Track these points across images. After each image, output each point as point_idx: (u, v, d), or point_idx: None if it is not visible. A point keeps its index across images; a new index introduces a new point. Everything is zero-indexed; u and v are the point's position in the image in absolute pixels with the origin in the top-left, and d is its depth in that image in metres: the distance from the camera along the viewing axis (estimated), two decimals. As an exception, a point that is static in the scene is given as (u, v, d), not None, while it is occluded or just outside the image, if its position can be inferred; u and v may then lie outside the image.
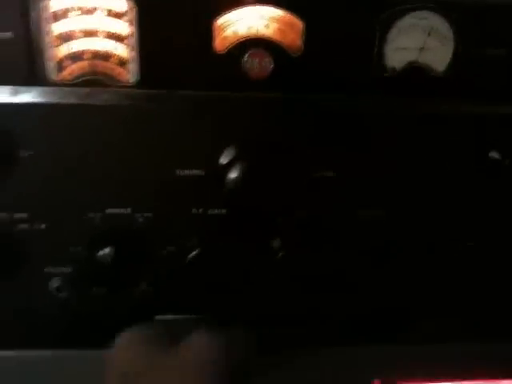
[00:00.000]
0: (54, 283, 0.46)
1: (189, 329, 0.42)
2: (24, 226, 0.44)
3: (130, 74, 0.42)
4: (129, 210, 0.44)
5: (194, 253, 0.45)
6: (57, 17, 0.41)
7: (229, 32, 0.42)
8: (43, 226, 0.44)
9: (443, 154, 0.45)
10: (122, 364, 0.40)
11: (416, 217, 0.46)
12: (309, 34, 0.41)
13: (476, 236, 0.47)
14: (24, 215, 0.44)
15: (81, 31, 0.41)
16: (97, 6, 0.40)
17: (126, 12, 0.41)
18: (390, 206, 0.45)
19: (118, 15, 0.41)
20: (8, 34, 0.40)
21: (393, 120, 0.44)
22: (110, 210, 0.44)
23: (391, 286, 0.48)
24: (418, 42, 0.41)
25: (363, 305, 0.49)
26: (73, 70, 0.42)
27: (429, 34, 0.40)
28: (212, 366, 0.39)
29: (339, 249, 0.46)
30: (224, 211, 0.45)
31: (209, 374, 0.39)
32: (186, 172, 0.44)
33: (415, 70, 0.42)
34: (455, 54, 0.42)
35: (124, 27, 0.41)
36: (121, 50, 0.41)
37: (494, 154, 0.43)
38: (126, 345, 0.41)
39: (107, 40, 0.41)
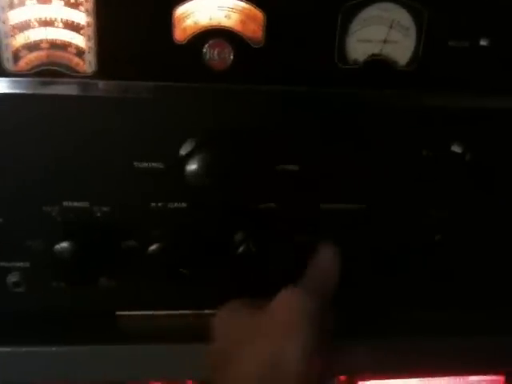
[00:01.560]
0: (12, 278, 0.45)
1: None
2: (-20, 219, 0.44)
3: (88, 65, 0.41)
4: (87, 204, 0.43)
5: (155, 246, 0.44)
6: (13, 5, 0.40)
7: (189, 22, 0.41)
8: (-1, 219, 0.44)
9: (405, 147, 0.44)
10: (225, 329, 0.41)
11: (378, 210, 0.46)
12: (270, 25, 0.40)
13: (440, 229, 0.47)
14: (-21, 208, 0.44)
15: (37, 20, 0.41)
16: (54, -5, 0.40)
17: (83, 1, 0.40)
18: (352, 200, 0.45)
19: (76, 4, 0.40)
20: (-38, 23, 0.40)
21: (354, 112, 0.43)
22: (67, 204, 0.43)
23: (359, 280, 0.48)
24: (381, 34, 0.41)
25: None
26: (30, 59, 0.41)
27: (391, 27, 0.40)
28: (305, 315, 0.39)
29: (304, 242, 0.46)
30: (184, 204, 0.45)
31: (305, 323, 0.38)
32: (145, 165, 0.43)
33: (378, 63, 0.42)
34: (417, 47, 0.42)
35: (81, 17, 0.40)
36: (78, 40, 0.40)
37: (456, 148, 0.43)
38: (226, 313, 0.42)
39: (64, 30, 0.41)
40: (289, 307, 0.39)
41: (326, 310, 0.41)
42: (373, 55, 0.42)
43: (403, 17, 0.41)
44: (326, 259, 0.44)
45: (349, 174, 0.45)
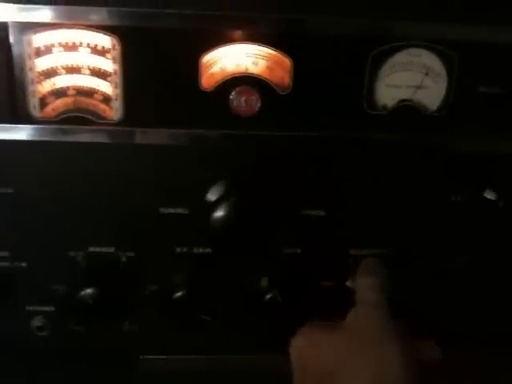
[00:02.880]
0: (36, 322, 0.45)
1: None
2: (5, 264, 0.43)
3: (114, 111, 0.41)
4: (112, 249, 0.43)
5: (180, 293, 0.44)
6: (40, 53, 0.40)
7: (216, 69, 0.41)
8: (24, 264, 0.43)
9: (437, 192, 0.44)
10: (313, 361, 0.40)
11: (409, 256, 0.45)
12: (297, 71, 0.40)
13: (465, 273, 0.46)
14: (5, 253, 0.43)
15: (64, 67, 0.41)
16: (81, 42, 0.40)
17: (110, 49, 0.40)
18: (382, 246, 0.44)
19: (102, 52, 0.40)
20: (-10, 70, 0.40)
21: (383, 157, 0.42)
22: (92, 249, 0.43)
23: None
24: (412, 80, 0.40)
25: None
26: (56, 106, 0.41)
27: (426, 74, 0.39)
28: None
29: (329, 287, 0.45)
30: (209, 250, 0.44)
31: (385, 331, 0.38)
32: (170, 210, 0.43)
33: (407, 108, 0.41)
34: (448, 92, 0.41)
35: (108, 64, 0.40)
36: (105, 87, 0.40)
37: (488, 194, 0.42)
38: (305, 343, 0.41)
39: (91, 77, 0.41)
40: (374, 326, 0.39)
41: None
42: (402, 100, 0.41)
43: (434, 63, 0.40)
44: (371, 271, 0.44)
45: (376, 219, 0.44)
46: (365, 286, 0.42)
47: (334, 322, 0.40)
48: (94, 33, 0.39)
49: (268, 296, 0.43)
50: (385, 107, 0.41)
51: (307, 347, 0.41)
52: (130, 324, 0.45)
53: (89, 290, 0.42)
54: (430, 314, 0.47)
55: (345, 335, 0.39)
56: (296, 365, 0.41)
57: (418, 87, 0.41)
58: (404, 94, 0.41)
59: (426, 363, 0.40)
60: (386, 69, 0.40)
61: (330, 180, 0.43)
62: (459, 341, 0.49)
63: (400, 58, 0.40)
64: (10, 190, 0.41)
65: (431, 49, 0.40)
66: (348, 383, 0.38)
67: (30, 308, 0.44)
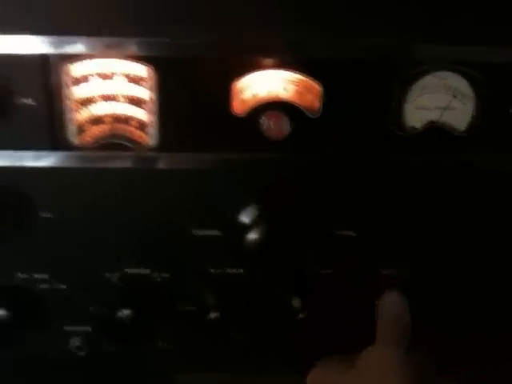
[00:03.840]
0: (75, 342, 0.46)
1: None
2: (44, 286, 0.45)
3: (150, 138, 0.42)
4: (147, 270, 0.45)
5: (213, 313, 0.45)
6: (77, 81, 0.42)
7: (247, 94, 0.42)
8: (63, 286, 0.45)
9: (466, 212, 0.44)
10: None
11: (440, 276, 0.46)
12: (327, 95, 0.41)
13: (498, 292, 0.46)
14: (44, 276, 0.44)
15: (101, 95, 0.42)
16: (116, 72, 0.41)
17: (146, 77, 0.41)
18: (413, 265, 0.45)
19: (138, 80, 0.41)
20: (29, 100, 0.41)
21: (412, 178, 0.43)
22: (128, 270, 0.44)
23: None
24: (440, 102, 0.41)
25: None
26: (93, 133, 0.42)
27: (454, 96, 0.40)
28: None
29: (361, 307, 0.46)
30: (242, 271, 0.45)
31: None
32: (204, 232, 0.44)
33: (436, 129, 0.42)
34: (476, 113, 0.42)
35: (143, 92, 0.41)
36: (140, 114, 0.42)
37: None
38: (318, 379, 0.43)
39: (127, 104, 0.42)
40: (383, 367, 0.39)
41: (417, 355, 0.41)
42: (431, 122, 0.42)
43: (461, 84, 0.41)
44: (395, 307, 0.44)
45: (406, 238, 0.44)
46: (385, 318, 0.43)
47: (351, 357, 0.41)
48: (130, 62, 0.41)
49: (301, 315, 0.44)
50: (413, 129, 0.42)
51: (317, 381, 0.42)
52: (164, 343, 0.46)
53: (125, 311, 0.44)
54: (463, 338, 0.48)
55: (350, 377, 0.40)
56: None
57: (446, 108, 0.41)
58: (432, 115, 0.41)
59: None
60: (414, 91, 0.41)
61: (360, 201, 0.43)
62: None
63: (427, 80, 0.41)
64: (49, 215, 0.43)
65: (458, 71, 0.41)
66: None
67: (68, 328, 0.45)
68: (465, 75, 0.41)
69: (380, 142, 0.42)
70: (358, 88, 0.41)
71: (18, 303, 0.44)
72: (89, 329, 0.45)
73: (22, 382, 0.47)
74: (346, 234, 0.44)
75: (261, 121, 0.41)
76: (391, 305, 0.44)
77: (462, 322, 0.47)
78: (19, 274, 0.44)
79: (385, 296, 0.45)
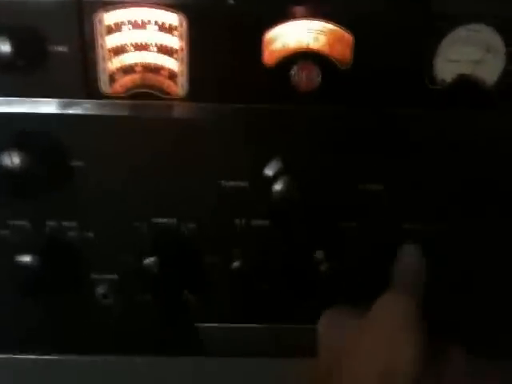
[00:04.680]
0: (100, 290, 0.47)
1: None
2: (73, 234, 0.45)
3: (180, 87, 0.42)
4: (174, 220, 0.45)
5: (237, 264, 0.45)
6: (110, 30, 0.42)
7: (278, 45, 0.42)
8: (91, 234, 0.45)
9: (494, 169, 0.44)
10: (329, 341, 0.42)
11: (462, 231, 0.46)
12: (358, 47, 0.41)
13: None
14: (73, 223, 0.45)
15: (132, 45, 0.42)
16: (149, 20, 0.42)
17: (177, 26, 0.42)
18: (438, 221, 0.45)
19: (169, 29, 0.42)
20: (63, 48, 0.42)
21: (442, 132, 0.43)
22: (156, 220, 0.45)
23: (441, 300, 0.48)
24: (472, 56, 0.41)
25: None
26: (124, 82, 0.43)
27: (487, 50, 0.40)
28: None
29: (384, 263, 0.46)
30: (267, 222, 0.45)
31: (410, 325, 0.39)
32: (231, 183, 0.44)
33: (466, 83, 0.42)
34: (507, 67, 0.41)
35: (174, 41, 0.41)
36: (171, 64, 0.42)
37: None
38: (328, 323, 0.43)
39: (158, 54, 0.42)
40: (394, 312, 0.39)
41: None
42: (461, 75, 0.42)
43: (493, 38, 0.41)
44: (411, 260, 0.44)
45: (434, 194, 0.44)
46: (402, 270, 0.43)
47: (364, 304, 0.41)
48: (162, 11, 0.41)
49: (323, 267, 0.45)
50: (443, 81, 0.42)
51: (329, 327, 0.42)
52: (190, 293, 0.47)
53: (152, 260, 0.45)
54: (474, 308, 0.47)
55: (361, 326, 0.40)
56: (319, 343, 0.42)
57: (478, 62, 0.41)
58: (463, 68, 0.41)
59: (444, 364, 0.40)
60: (446, 43, 0.40)
61: (388, 155, 0.43)
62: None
63: (460, 32, 0.40)
64: (80, 163, 0.43)
65: (491, 24, 0.41)
66: (347, 378, 0.38)
67: (96, 276, 0.46)
68: (498, 28, 0.40)
69: (411, 94, 0.42)
70: (390, 40, 0.41)
71: (48, 251, 0.46)
72: (115, 277, 0.46)
73: (48, 330, 0.49)
74: (373, 187, 0.44)
75: (291, 72, 0.42)
76: (408, 256, 0.44)
77: (479, 286, 0.47)
78: (49, 222, 0.45)
79: (403, 247, 0.45)
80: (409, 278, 0.43)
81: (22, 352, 0.50)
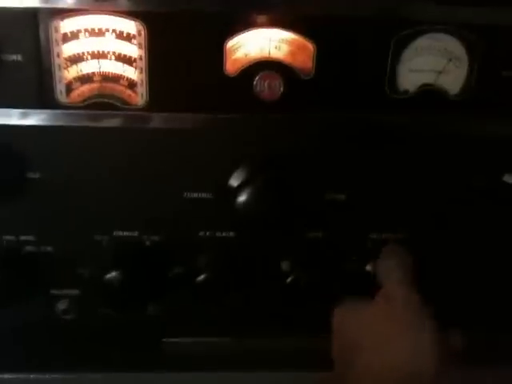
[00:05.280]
0: (61, 305, 0.46)
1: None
2: (31, 248, 0.44)
3: (139, 97, 0.41)
4: (136, 233, 0.44)
5: (202, 276, 0.44)
6: (66, 38, 0.41)
7: (240, 54, 0.41)
8: (50, 248, 0.44)
9: (457, 177, 0.44)
10: (345, 337, 0.41)
11: (429, 240, 0.46)
12: (320, 56, 0.40)
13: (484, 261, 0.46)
14: (31, 237, 0.44)
15: (90, 53, 0.41)
16: (107, 28, 0.41)
17: (135, 35, 0.41)
18: (402, 230, 0.45)
19: (128, 38, 0.41)
20: (17, 56, 0.40)
21: (404, 141, 0.43)
22: (117, 233, 0.44)
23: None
24: (435, 65, 0.40)
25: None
26: (82, 92, 0.41)
27: (450, 60, 0.40)
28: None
29: (348, 271, 0.46)
30: (232, 234, 0.45)
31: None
32: (194, 195, 0.43)
33: (429, 92, 0.42)
34: (470, 76, 0.41)
35: (133, 50, 0.40)
36: (130, 73, 0.41)
37: (508, 178, 0.42)
38: (342, 318, 0.43)
39: (116, 62, 0.41)
40: (412, 305, 0.39)
41: None
42: (424, 85, 0.42)
43: (456, 47, 0.41)
44: (395, 253, 0.44)
45: (396, 203, 0.44)
46: (390, 267, 0.43)
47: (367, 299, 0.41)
48: (120, 18, 0.40)
49: (289, 279, 0.44)
50: (407, 91, 0.42)
51: (348, 312, 0.42)
52: (154, 307, 0.46)
53: (114, 273, 0.43)
54: (451, 302, 0.48)
55: (380, 314, 0.40)
56: (334, 329, 0.42)
57: (440, 72, 0.41)
58: (426, 78, 0.41)
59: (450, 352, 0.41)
60: (408, 53, 0.40)
61: (351, 164, 0.43)
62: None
63: (422, 42, 0.40)
64: (36, 175, 0.42)
65: (453, 33, 0.40)
66: (364, 367, 0.38)
67: (55, 291, 0.45)
68: (460, 38, 0.40)
69: (373, 104, 0.41)
70: (352, 48, 0.40)
71: (4, 266, 0.44)
72: (76, 292, 0.45)
73: (8, 346, 0.47)
74: (336, 197, 0.44)
75: (254, 82, 0.41)
76: (391, 254, 0.44)
77: (453, 289, 0.47)
78: (6, 236, 0.43)
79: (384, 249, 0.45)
80: (399, 272, 0.43)
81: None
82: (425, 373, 0.38)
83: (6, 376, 0.46)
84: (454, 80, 0.41)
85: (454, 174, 0.44)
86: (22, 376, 0.47)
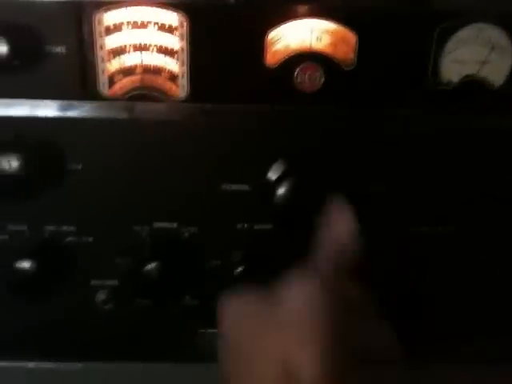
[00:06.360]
0: (100, 296, 0.46)
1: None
2: (72, 238, 0.44)
3: (181, 89, 0.42)
4: (175, 225, 0.44)
5: (240, 268, 0.44)
6: (109, 31, 0.41)
7: (280, 46, 0.41)
8: (90, 239, 0.44)
9: (498, 170, 0.43)
10: (234, 336, 0.35)
11: (466, 233, 0.45)
12: (361, 47, 0.40)
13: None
14: (72, 228, 0.44)
15: (132, 45, 0.42)
16: (149, 20, 0.41)
17: (177, 26, 0.41)
18: (449, 223, 0.44)
19: (170, 30, 0.41)
20: (61, 49, 0.41)
21: (447, 134, 0.42)
22: (156, 224, 0.44)
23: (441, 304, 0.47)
24: (478, 56, 0.40)
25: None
26: (124, 84, 0.42)
27: (492, 49, 0.39)
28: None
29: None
30: (270, 226, 0.45)
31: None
32: (233, 187, 0.43)
33: (472, 83, 0.41)
34: (515, 67, 0.41)
35: (175, 41, 0.41)
36: (171, 65, 0.41)
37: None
38: (233, 316, 0.36)
39: (158, 54, 0.42)
40: (301, 302, 0.32)
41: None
42: (467, 76, 0.41)
43: (500, 37, 0.40)
44: (340, 222, 0.37)
45: (439, 197, 0.44)
46: (330, 238, 0.36)
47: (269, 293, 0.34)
48: (163, 10, 0.40)
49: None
50: (450, 83, 0.41)
51: (233, 310, 0.36)
52: (192, 298, 0.46)
53: (152, 265, 0.44)
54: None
55: (268, 310, 0.33)
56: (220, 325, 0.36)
57: (484, 62, 0.41)
58: (469, 69, 0.41)
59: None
60: (451, 44, 0.40)
61: (393, 156, 0.42)
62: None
63: (465, 32, 0.40)
64: (78, 167, 0.42)
65: (497, 23, 0.40)
66: (249, 363, 0.32)
67: (95, 282, 0.45)
68: (504, 27, 0.40)
69: (415, 95, 0.41)
70: (394, 39, 0.40)
71: (46, 256, 0.45)
72: (115, 282, 0.45)
73: (47, 336, 0.48)
74: (376, 189, 0.43)
75: (295, 73, 0.41)
76: (338, 221, 0.36)
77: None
78: (47, 227, 0.44)
79: (333, 211, 0.37)
80: (336, 246, 0.36)
81: (20, 359, 0.49)
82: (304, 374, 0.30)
83: (48, 365, 0.47)
84: (498, 71, 0.41)
85: (497, 169, 0.43)
86: (61, 365, 0.48)
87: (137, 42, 0.41)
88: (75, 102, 0.42)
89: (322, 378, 0.30)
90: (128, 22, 0.41)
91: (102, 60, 0.41)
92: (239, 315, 0.36)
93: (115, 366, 0.47)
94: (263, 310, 0.34)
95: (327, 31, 0.41)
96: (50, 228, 0.44)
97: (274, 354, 0.31)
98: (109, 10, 0.40)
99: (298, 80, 0.41)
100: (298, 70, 0.40)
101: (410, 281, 0.45)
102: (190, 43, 0.40)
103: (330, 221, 0.37)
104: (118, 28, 0.41)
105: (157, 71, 0.41)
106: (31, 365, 0.48)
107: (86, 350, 0.48)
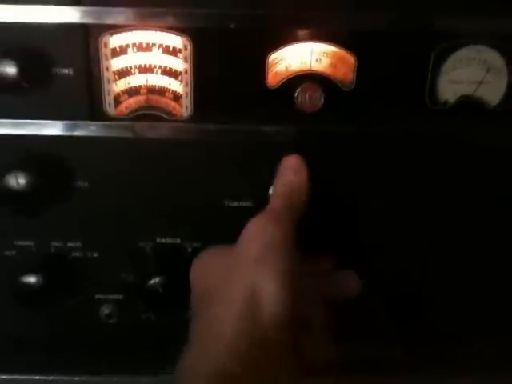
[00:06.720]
0: (105, 310, 0.47)
1: None
2: (77, 254, 0.46)
3: (184, 109, 0.43)
4: (178, 240, 0.45)
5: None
6: (115, 53, 0.43)
7: (281, 67, 0.42)
8: (95, 254, 0.46)
9: (494, 187, 0.44)
10: (199, 283, 0.38)
11: (461, 250, 0.46)
12: (360, 68, 0.41)
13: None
14: (78, 244, 0.46)
15: (137, 67, 0.43)
16: (153, 43, 0.42)
17: (181, 49, 0.42)
18: (443, 239, 0.45)
19: (174, 52, 0.42)
20: (68, 70, 0.42)
21: (445, 152, 0.43)
22: (160, 240, 0.45)
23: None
24: (475, 76, 0.41)
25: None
26: (129, 104, 0.43)
27: (488, 70, 0.40)
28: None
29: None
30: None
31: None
32: (235, 203, 0.45)
33: (469, 103, 0.42)
34: (509, 88, 0.42)
35: (179, 63, 0.42)
36: (175, 86, 0.42)
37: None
38: (199, 265, 0.39)
39: (163, 76, 0.43)
40: (255, 239, 0.36)
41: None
42: (464, 96, 0.42)
43: (495, 58, 0.41)
44: (289, 168, 0.40)
45: (435, 212, 0.45)
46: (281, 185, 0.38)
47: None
48: (167, 33, 0.41)
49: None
50: (446, 102, 0.42)
51: (199, 267, 0.38)
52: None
53: (156, 279, 0.45)
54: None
55: (230, 256, 0.36)
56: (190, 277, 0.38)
57: (480, 83, 0.42)
58: (466, 89, 0.42)
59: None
60: (448, 65, 0.41)
61: (392, 175, 0.44)
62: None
63: (463, 54, 0.41)
64: (84, 184, 0.44)
65: (493, 45, 0.41)
66: (214, 310, 0.34)
67: (100, 296, 0.47)
68: (500, 49, 0.41)
69: (413, 115, 0.42)
70: (393, 60, 0.41)
71: (52, 271, 0.46)
72: (120, 297, 0.46)
73: (53, 349, 0.49)
74: (376, 204, 0.44)
75: (296, 94, 0.42)
76: (287, 167, 0.40)
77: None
78: (54, 242, 0.45)
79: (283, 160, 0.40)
80: (287, 191, 0.39)
81: (26, 372, 0.50)
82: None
83: (51, 378, 0.48)
84: (494, 91, 0.42)
85: (494, 186, 0.44)
86: (65, 378, 0.49)
87: (142, 63, 0.42)
88: (82, 122, 0.43)
89: (281, 291, 0.33)
90: (133, 45, 0.42)
91: (108, 81, 0.42)
92: (205, 262, 0.39)
93: (120, 379, 0.48)
94: (225, 252, 0.38)
95: (327, 53, 0.42)
96: (56, 244, 0.45)
97: (242, 281, 0.34)
98: (115, 33, 0.41)
99: (299, 100, 0.42)
100: (298, 90, 0.42)
101: (411, 285, 0.47)
102: (193, 65, 0.41)
103: (281, 168, 0.41)
104: (123, 50, 0.42)
105: (161, 92, 0.43)
106: (37, 377, 0.49)
107: (91, 363, 0.49)
